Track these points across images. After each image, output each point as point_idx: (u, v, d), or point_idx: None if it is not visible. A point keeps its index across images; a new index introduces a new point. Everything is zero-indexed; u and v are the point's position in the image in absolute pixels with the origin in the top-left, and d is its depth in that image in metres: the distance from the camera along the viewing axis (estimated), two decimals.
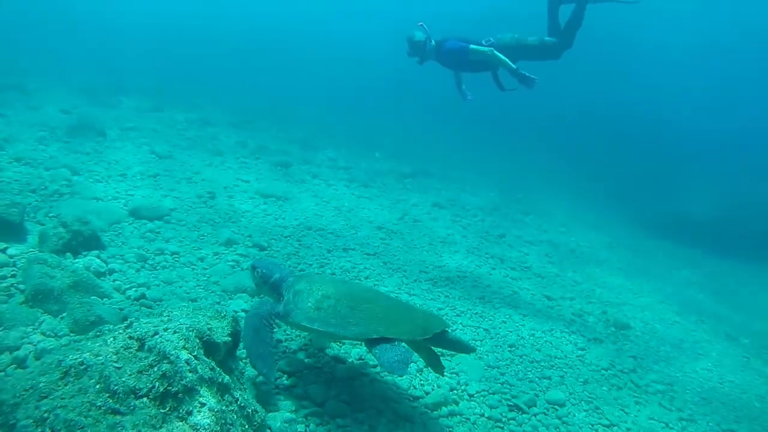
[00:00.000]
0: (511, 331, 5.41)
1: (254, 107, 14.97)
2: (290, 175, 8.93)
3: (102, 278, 4.39)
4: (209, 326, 3.05)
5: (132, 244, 5.11)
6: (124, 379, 2.55)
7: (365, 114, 18.45)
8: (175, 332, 2.84)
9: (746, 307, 8.63)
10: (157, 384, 2.55)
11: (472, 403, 3.99)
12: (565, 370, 4.91)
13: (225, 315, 3.25)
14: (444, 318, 4.77)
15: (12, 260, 4.31)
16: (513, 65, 6.23)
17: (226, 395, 2.82)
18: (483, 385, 4.25)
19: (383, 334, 3.25)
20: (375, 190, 9.40)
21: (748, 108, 24.31)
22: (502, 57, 6.25)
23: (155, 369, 2.62)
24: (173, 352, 2.67)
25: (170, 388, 2.56)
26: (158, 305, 4.24)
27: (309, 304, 3.42)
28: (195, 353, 2.76)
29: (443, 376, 3.92)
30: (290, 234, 6.28)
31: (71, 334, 3.68)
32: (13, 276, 4.11)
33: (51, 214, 5.33)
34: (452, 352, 4.31)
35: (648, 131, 21.58)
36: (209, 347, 2.96)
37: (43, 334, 3.59)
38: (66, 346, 3.50)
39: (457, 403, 3.93)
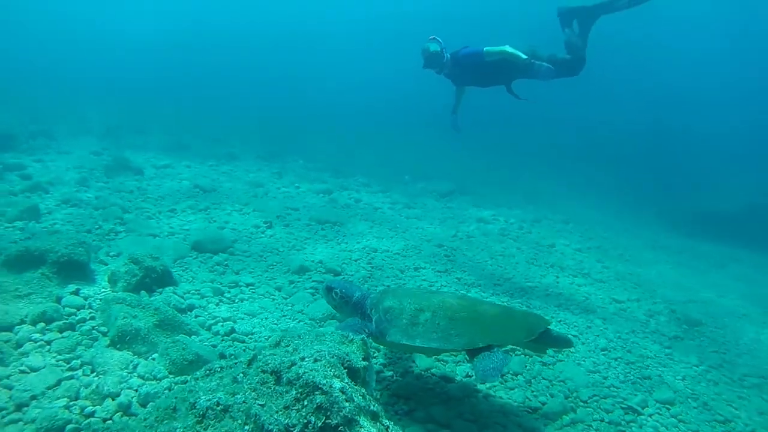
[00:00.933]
0: (598, 336, 5.21)
1: (275, 138, 14.74)
2: (335, 201, 8.64)
3: (184, 315, 4.06)
4: (345, 352, 2.71)
5: (203, 278, 4.79)
6: (275, 417, 2.20)
7: (384, 138, 18.23)
8: (316, 360, 2.50)
9: None
10: (312, 418, 2.21)
11: (588, 408, 3.83)
12: (660, 369, 4.73)
13: (353, 339, 2.91)
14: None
15: (87, 302, 3.99)
16: (524, 56, 6.07)
17: (378, 423, 2.48)
18: (592, 390, 4.07)
19: (489, 341, 3.02)
20: (418, 210, 9.10)
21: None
22: (516, 51, 6.08)
23: (306, 402, 2.27)
24: (324, 381, 2.32)
25: (329, 421, 2.22)
26: (250, 338, 3.90)
27: (404, 320, 3.17)
28: (346, 381, 2.43)
29: (545, 354, 4.05)
30: (359, 257, 5.96)
31: (170, 376, 3.32)
32: (93, 318, 3.79)
33: (112, 253, 5.03)
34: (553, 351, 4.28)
35: (663, 134, 21.27)
36: (351, 374, 2.61)
37: (141, 377, 3.25)
38: (171, 389, 3.17)
39: (575, 411, 3.77)
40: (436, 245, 7.00)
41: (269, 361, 2.53)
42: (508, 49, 6.10)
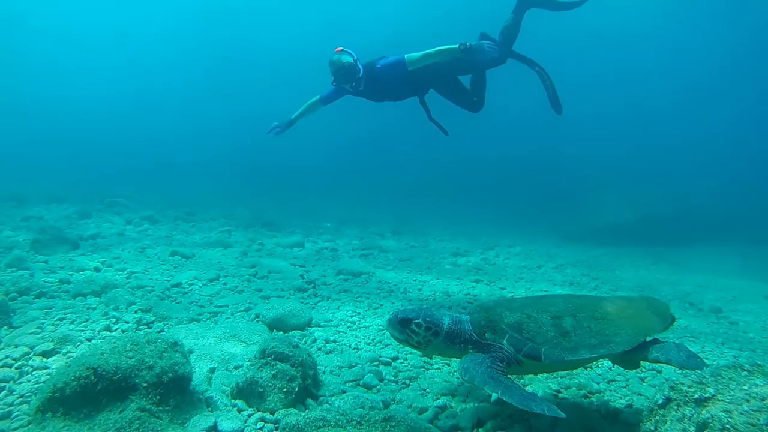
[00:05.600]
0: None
1: (176, 197, 12.16)
2: (322, 253, 7.04)
3: None
4: None
5: (332, 363, 3.13)
6: None
7: (269, 188, 16.40)
8: None
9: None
10: None
11: None
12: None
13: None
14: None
15: None
16: (455, 45, 4.95)
17: None
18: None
19: (653, 332, 2.47)
20: (406, 253, 7.87)
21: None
22: (441, 47, 4.99)
23: None
24: None
25: None
26: None
27: (550, 332, 2.37)
28: None
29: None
30: (430, 297, 4.70)
31: None
32: None
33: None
34: None
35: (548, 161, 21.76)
36: None
37: None
38: None
39: None
40: (466, 271, 5.96)
41: None
42: (432, 50, 5.04)
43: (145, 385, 2.30)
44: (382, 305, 4.51)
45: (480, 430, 2.48)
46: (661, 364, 2.77)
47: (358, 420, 2.27)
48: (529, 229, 12.79)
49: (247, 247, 6.91)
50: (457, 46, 4.94)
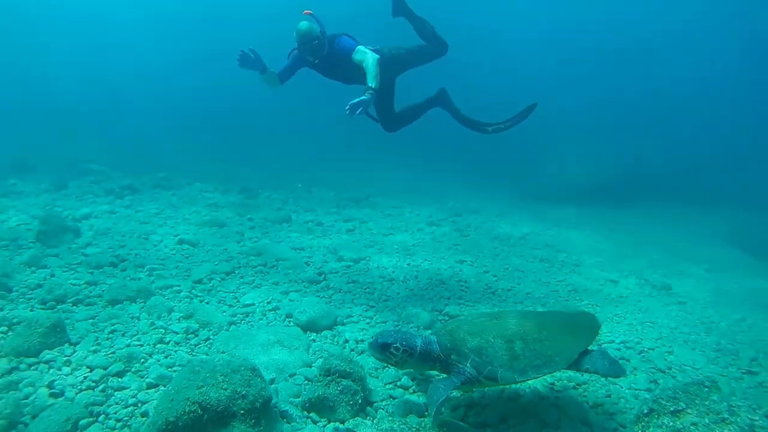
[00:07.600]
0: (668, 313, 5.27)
1: (147, 161, 11.79)
2: (311, 231, 7.34)
3: None
4: None
5: (367, 364, 3.59)
6: None
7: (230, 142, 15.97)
8: None
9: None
10: None
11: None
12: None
13: None
14: None
15: None
16: (372, 85, 4.46)
17: None
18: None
19: (584, 346, 2.88)
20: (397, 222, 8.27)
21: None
22: (377, 76, 4.53)
23: None
24: None
25: None
26: None
27: (504, 356, 2.77)
28: None
29: None
30: (428, 287, 5.19)
31: None
32: None
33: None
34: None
35: None
36: None
37: None
38: None
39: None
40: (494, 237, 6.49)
41: None
42: (366, 65, 4.60)
43: (242, 412, 2.68)
44: (389, 297, 4.96)
45: (503, 425, 3.06)
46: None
47: (417, 428, 2.78)
48: (489, 189, 13.40)
49: (239, 225, 7.08)
50: (367, 87, 4.46)
